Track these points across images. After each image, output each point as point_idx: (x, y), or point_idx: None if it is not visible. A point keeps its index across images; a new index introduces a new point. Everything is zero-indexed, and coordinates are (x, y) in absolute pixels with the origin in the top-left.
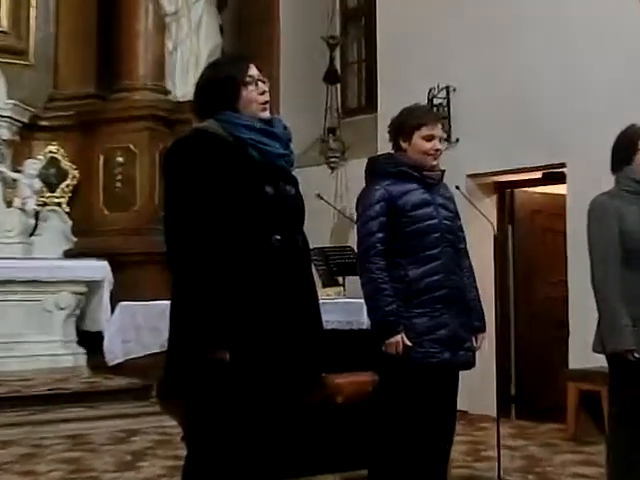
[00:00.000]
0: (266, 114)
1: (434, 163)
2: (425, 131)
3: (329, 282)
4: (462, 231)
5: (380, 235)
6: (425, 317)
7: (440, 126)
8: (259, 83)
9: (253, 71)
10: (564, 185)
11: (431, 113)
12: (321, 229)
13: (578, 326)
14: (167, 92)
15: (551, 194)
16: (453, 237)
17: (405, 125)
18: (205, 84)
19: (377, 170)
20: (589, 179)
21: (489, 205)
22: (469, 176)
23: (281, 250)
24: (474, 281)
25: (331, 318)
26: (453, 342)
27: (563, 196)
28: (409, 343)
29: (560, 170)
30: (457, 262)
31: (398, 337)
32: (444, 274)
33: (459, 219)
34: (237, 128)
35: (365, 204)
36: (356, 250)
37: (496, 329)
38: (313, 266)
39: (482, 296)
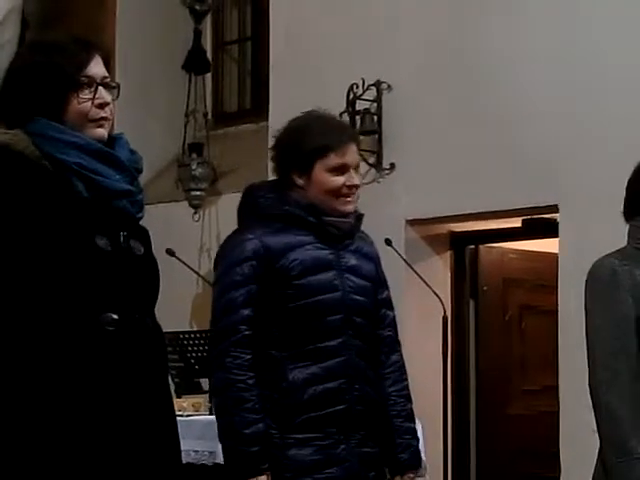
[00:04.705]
0: (101, 134)
1: (349, 208)
2: (334, 159)
3: (186, 388)
4: (390, 308)
5: (246, 312)
6: (309, 447)
7: (356, 148)
8: (100, 89)
9: (96, 68)
10: (555, 240)
11: (341, 127)
12: (176, 303)
13: (573, 457)
14: None
15: (536, 253)
16: (365, 321)
17: (299, 150)
18: (14, 71)
19: (254, 209)
20: (594, 231)
21: (439, 269)
22: (409, 222)
23: (118, 337)
24: (405, 387)
25: (185, 446)
26: None
27: (554, 256)
28: None
29: (550, 216)
30: (369, 361)
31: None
32: (345, 380)
33: (385, 289)
34: (57, 146)
35: (227, 262)
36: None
37: (446, 465)
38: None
39: (424, 413)
